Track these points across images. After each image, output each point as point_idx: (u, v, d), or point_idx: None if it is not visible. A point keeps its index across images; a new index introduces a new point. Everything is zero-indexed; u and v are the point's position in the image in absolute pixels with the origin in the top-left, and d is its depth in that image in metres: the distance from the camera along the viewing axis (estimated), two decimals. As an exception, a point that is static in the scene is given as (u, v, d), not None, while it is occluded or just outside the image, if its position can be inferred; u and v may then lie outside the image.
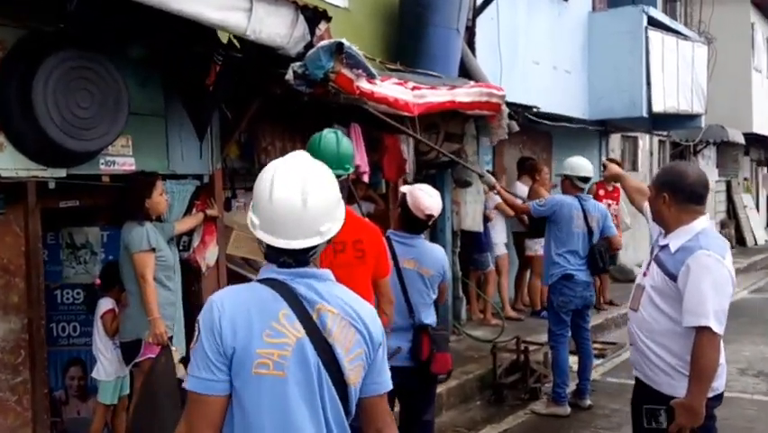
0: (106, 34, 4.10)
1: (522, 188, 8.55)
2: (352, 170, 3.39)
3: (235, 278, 5.21)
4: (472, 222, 7.33)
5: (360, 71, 4.51)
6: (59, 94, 3.75)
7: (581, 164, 5.89)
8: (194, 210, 4.84)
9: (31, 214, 4.01)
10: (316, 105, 5.03)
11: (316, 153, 3.19)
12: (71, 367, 4.94)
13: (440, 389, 5.83)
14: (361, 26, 6.46)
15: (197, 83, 4.30)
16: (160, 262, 4.11)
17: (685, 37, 10.60)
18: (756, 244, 18.05)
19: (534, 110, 7.49)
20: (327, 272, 1.79)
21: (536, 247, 8.00)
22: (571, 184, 5.82)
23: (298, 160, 1.80)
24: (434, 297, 3.63)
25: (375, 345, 1.78)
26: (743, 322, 9.27)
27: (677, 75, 10.12)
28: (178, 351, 4.05)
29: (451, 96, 5.49)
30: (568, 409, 5.73)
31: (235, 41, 4.30)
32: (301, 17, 4.31)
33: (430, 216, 3.50)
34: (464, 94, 5.64)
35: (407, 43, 6.66)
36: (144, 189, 4.11)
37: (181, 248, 4.77)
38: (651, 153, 14.00)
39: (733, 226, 18.00)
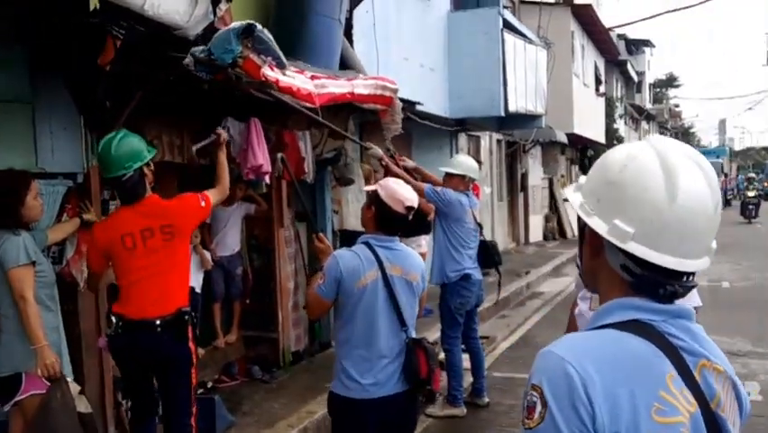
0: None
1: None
2: (136, 165, 3.56)
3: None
4: (356, 221, 7.03)
5: (269, 59, 4.05)
6: None
7: (475, 166, 5.91)
8: (65, 215, 4.10)
9: None
10: (209, 97, 4.48)
11: (107, 158, 3.55)
12: None
13: (339, 399, 5.54)
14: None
15: (87, 62, 3.61)
16: (41, 279, 3.39)
17: (530, 41, 11.12)
18: (574, 235, 19.56)
19: (418, 107, 7.37)
20: (690, 308, 1.27)
21: (412, 246, 7.89)
22: (461, 181, 5.76)
23: (676, 142, 1.27)
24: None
25: (746, 416, 1.29)
26: (590, 310, 9.93)
27: (525, 77, 10.57)
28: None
29: (351, 88, 5.17)
30: (464, 410, 5.66)
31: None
32: (202, -5, 3.80)
33: (410, 209, 3.07)
34: (362, 86, 5.34)
35: (286, 32, 6.20)
36: (17, 191, 3.35)
37: (51, 260, 4.01)
38: (491, 152, 14.61)
39: (555, 220, 19.43)
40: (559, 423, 1.11)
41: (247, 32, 3.95)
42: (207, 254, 5.79)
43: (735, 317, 8.71)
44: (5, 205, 3.31)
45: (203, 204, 3.76)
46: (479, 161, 9.03)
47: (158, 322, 3.54)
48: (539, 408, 1.14)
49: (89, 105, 3.99)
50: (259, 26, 3.97)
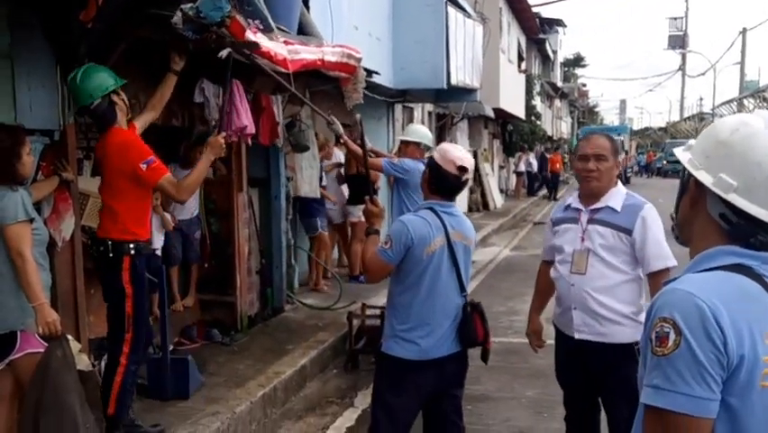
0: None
1: (338, 155, 8.56)
2: (101, 93, 3.76)
3: (89, 254, 4.45)
4: (309, 188, 7.13)
5: (257, 21, 4.07)
6: None
7: (429, 135, 6.15)
8: (40, 173, 4.01)
9: None
10: (189, 58, 4.45)
11: (74, 89, 3.81)
12: None
13: (303, 360, 5.68)
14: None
15: (68, 17, 3.53)
16: (35, 236, 3.34)
17: (469, 15, 11.36)
18: (496, 207, 20.25)
19: (375, 75, 7.47)
20: None
21: (359, 213, 8.07)
22: (417, 149, 5.98)
23: None
24: None
25: None
26: (521, 277, 10.37)
27: (464, 51, 10.82)
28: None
29: (321, 55, 5.22)
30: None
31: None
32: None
33: (463, 170, 3.08)
34: (331, 53, 5.40)
35: (246, -4, 6.17)
36: (14, 147, 3.28)
37: (28, 219, 3.93)
38: (423, 123, 14.86)
39: (479, 192, 19.99)
40: (695, 348, 1.29)
41: None
42: (167, 215, 5.76)
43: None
44: (5, 161, 3.24)
45: (143, 166, 3.73)
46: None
47: (98, 244, 3.90)
48: (673, 336, 1.31)
49: (69, 62, 3.90)
50: None
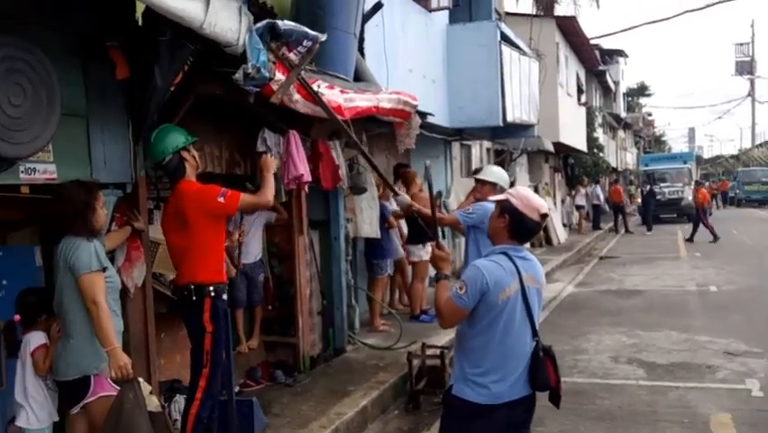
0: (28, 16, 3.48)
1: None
2: (170, 150, 4.11)
3: (159, 299, 4.68)
4: (370, 228, 7.26)
5: (307, 43, 4.25)
6: (-10, 88, 3.11)
7: (506, 177, 6.04)
8: (113, 224, 4.26)
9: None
10: (248, 109, 4.67)
11: (149, 147, 4.22)
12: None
13: (364, 401, 5.73)
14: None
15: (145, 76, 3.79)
16: (108, 284, 3.55)
17: (524, 52, 11.44)
18: (560, 242, 19.94)
19: (430, 117, 7.62)
20: None
21: (421, 253, 8.15)
22: (493, 189, 5.84)
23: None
24: None
25: None
26: (586, 315, 10.19)
27: (519, 87, 10.88)
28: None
29: (376, 102, 5.39)
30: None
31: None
32: (245, 11, 4.03)
33: (544, 217, 3.06)
34: (386, 100, 5.56)
35: (304, 47, 6.42)
36: (88, 200, 3.52)
37: (102, 268, 4.16)
38: (481, 160, 14.92)
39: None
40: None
41: (275, 35, 4.18)
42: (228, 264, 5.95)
43: (725, 320, 9.07)
44: (80, 214, 3.47)
45: (221, 199, 4.04)
46: (478, 169, 9.24)
47: (181, 289, 4.17)
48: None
49: (141, 119, 4.16)
50: (278, 22, 4.19)
